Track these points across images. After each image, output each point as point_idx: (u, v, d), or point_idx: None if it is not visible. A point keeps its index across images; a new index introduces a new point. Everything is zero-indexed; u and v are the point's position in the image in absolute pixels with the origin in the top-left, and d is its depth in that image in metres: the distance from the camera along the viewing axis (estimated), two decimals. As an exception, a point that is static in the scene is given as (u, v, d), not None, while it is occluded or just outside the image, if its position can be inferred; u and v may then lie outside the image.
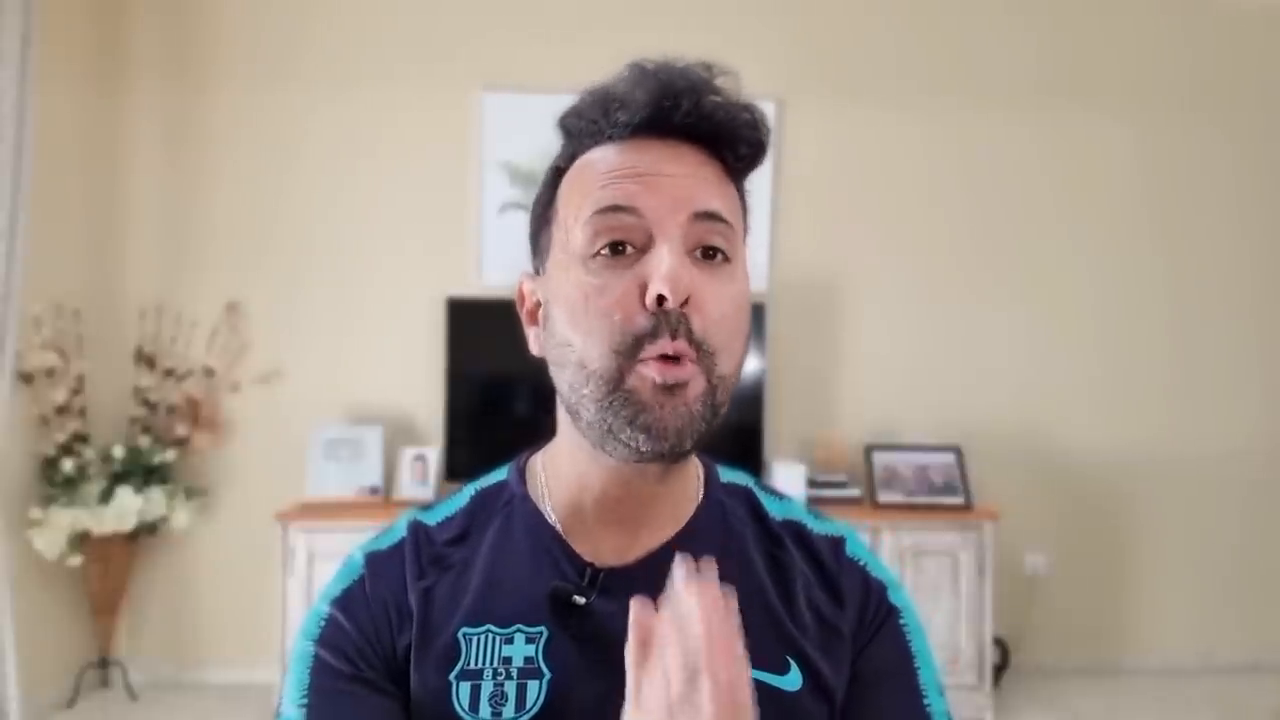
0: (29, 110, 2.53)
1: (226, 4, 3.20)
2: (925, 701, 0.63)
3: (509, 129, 3.14)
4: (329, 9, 3.22)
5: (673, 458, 0.58)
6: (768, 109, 3.31)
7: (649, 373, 0.55)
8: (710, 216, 0.58)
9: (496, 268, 3.19)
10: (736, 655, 0.49)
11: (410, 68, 3.22)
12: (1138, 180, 3.41)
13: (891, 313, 3.36)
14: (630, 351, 0.55)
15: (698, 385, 0.56)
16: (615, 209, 0.57)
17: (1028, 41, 3.38)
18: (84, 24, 3.07)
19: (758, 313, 3.12)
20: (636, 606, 0.51)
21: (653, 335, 0.55)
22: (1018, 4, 3.40)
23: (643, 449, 0.56)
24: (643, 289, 0.56)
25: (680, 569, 0.51)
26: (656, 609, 0.59)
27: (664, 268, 0.55)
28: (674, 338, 0.55)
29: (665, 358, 0.55)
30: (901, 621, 0.66)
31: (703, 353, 0.56)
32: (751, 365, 3.12)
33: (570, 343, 0.58)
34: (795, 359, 3.29)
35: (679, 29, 3.18)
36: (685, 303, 0.55)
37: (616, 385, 0.56)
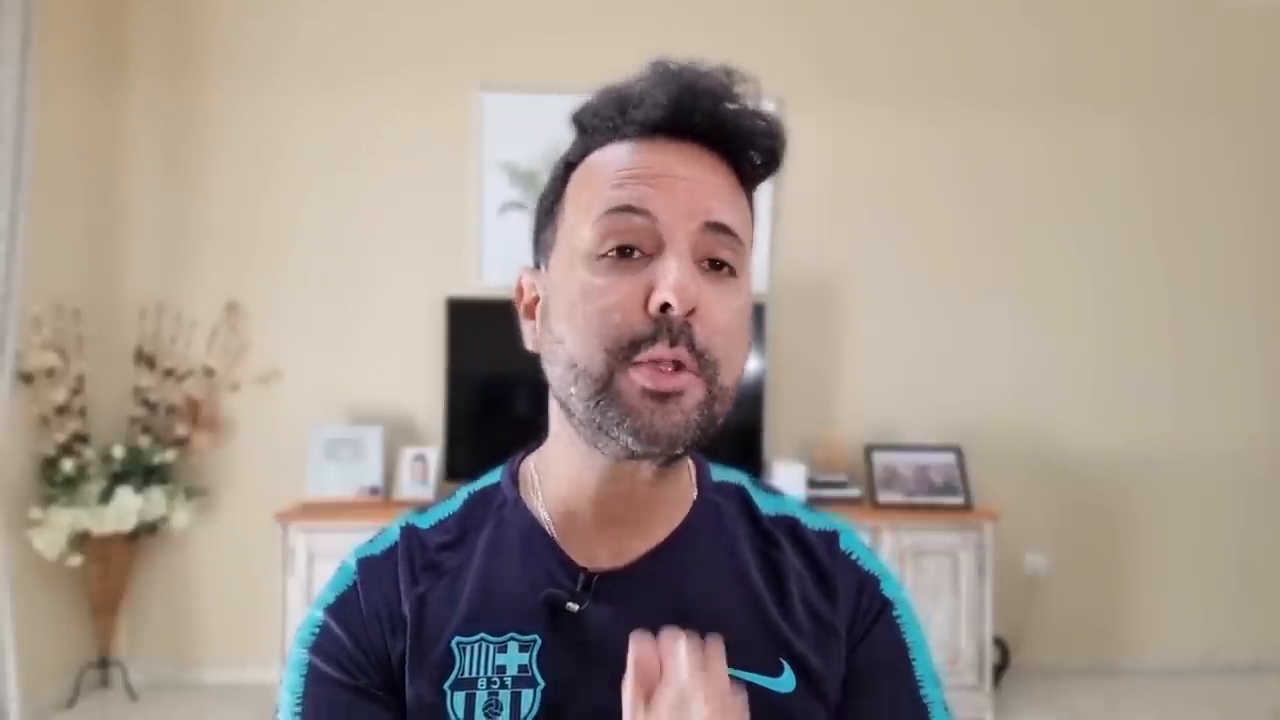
0: (29, 110, 2.53)
1: (226, 4, 3.20)
2: (922, 692, 0.63)
3: (509, 129, 3.14)
4: (329, 9, 3.22)
5: (666, 459, 0.58)
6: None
7: (638, 377, 0.54)
8: (721, 229, 0.57)
9: (496, 268, 3.19)
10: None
11: (410, 68, 3.22)
12: (1139, 180, 3.41)
13: (892, 312, 3.36)
14: (624, 354, 0.54)
15: (695, 394, 0.55)
16: (627, 209, 0.56)
17: (1029, 41, 3.38)
18: (84, 24, 3.07)
19: (758, 312, 3.12)
20: (636, 643, 0.50)
21: (651, 340, 0.54)
22: (1019, 4, 3.40)
23: (633, 449, 0.56)
24: (647, 294, 0.54)
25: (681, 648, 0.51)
26: (656, 615, 0.58)
27: (672, 276, 0.54)
28: (673, 344, 0.54)
29: (659, 364, 0.54)
30: (896, 614, 0.65)
31: (704, 363, 0.55)
32: (751, 365, 3.12)
33: (563, 339, 0.57)
34: (795, 359, 3.29)
35: (679, 28, 3.18)
36: (690, 313, 0.54)
37: (604, 386, 0.55)
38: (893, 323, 3.36)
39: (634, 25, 3.16)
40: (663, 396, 0.54)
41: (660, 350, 0.54)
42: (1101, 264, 3.40)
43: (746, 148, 0.60)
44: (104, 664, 3.04)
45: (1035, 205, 3.39)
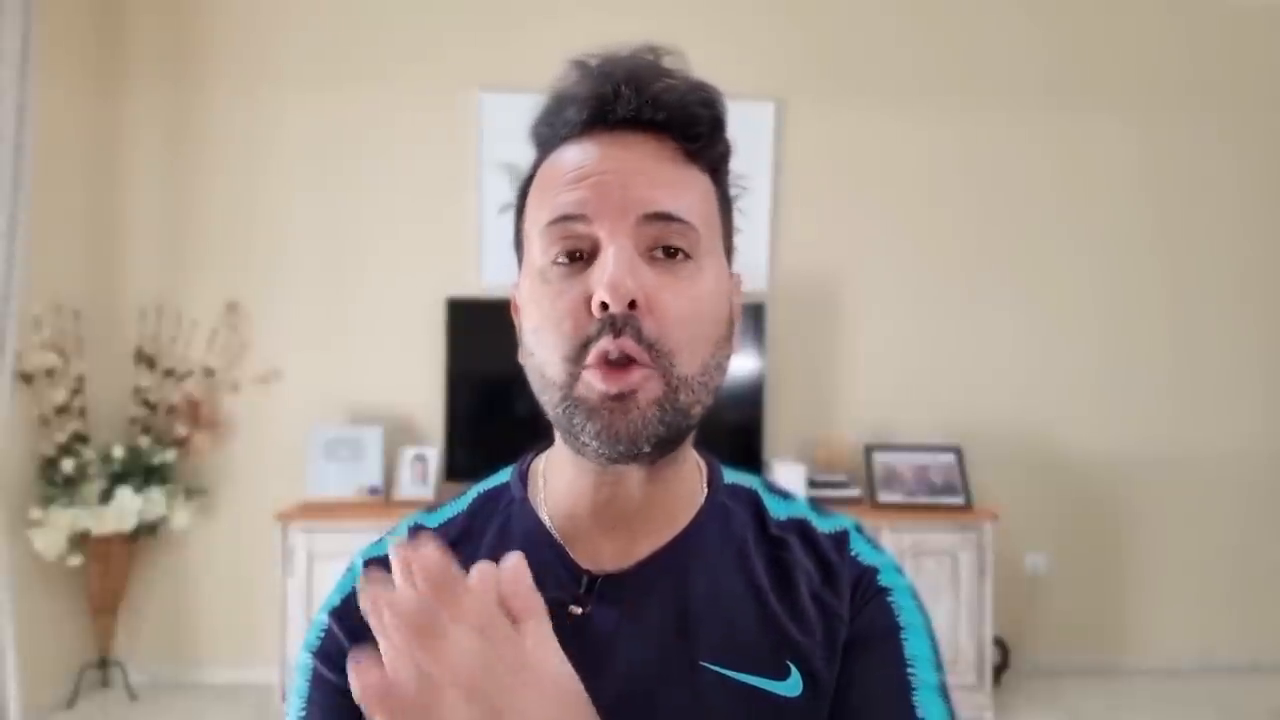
0: (29, 110, 2.53)
1: (226, 4, 3.20)
2: (909, 670, 0.60)
3: (508, 129, 3.12)
4: (328, 10, 3.22)
5: (642, 460, 0.57)
6: (767, 109, 3.33)
7: (593, 379, 0.54)
8: (662, 217, 0.56)
9: (496, 268, 3.19)
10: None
11: (409, 68, 3.22)
12: (1138, 180, 3.41)
13: (892, 312, 3.36)
14: (578, 356, 0.55)
15: (652, 390, 0.55)
16: (564, 218, 0.56)
17: (1029, 40, 3.38)
18: (84, 24, 3.07)
19: (758, 313, 3.12)
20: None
21: (597, 338, 0.54)
22: (1019, 4, 3.40)
23: (600, 452, 0.56)
24: (590, 297, 0.55)
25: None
26: (660, 617, 0.59)
27: (607, 274, 0.54)
28: (617, 335, 0.54)
29: (609, 362, 0.54)
30: (890, 599, 0.64)
31: (657, 354, 0.54)
32: (751, 365, 3.12)
33: (532, 352, 0.58)
34: (795, 359, 3.29)
35: (679, 29, 3.16)
36: (633, 306, 0.54)
37: (569, 392, 0.56)
38: (892, 323, 3.36)
39: (634, 26, 3.15)
40: (619, 397, 0.54)
41: (604, 343, 0.54)
42: (1101, 264, 3.40)
43: (684, 121, 0.59)
44: (104, 664, 3.04)
45: (1035, 205, 3.39)
